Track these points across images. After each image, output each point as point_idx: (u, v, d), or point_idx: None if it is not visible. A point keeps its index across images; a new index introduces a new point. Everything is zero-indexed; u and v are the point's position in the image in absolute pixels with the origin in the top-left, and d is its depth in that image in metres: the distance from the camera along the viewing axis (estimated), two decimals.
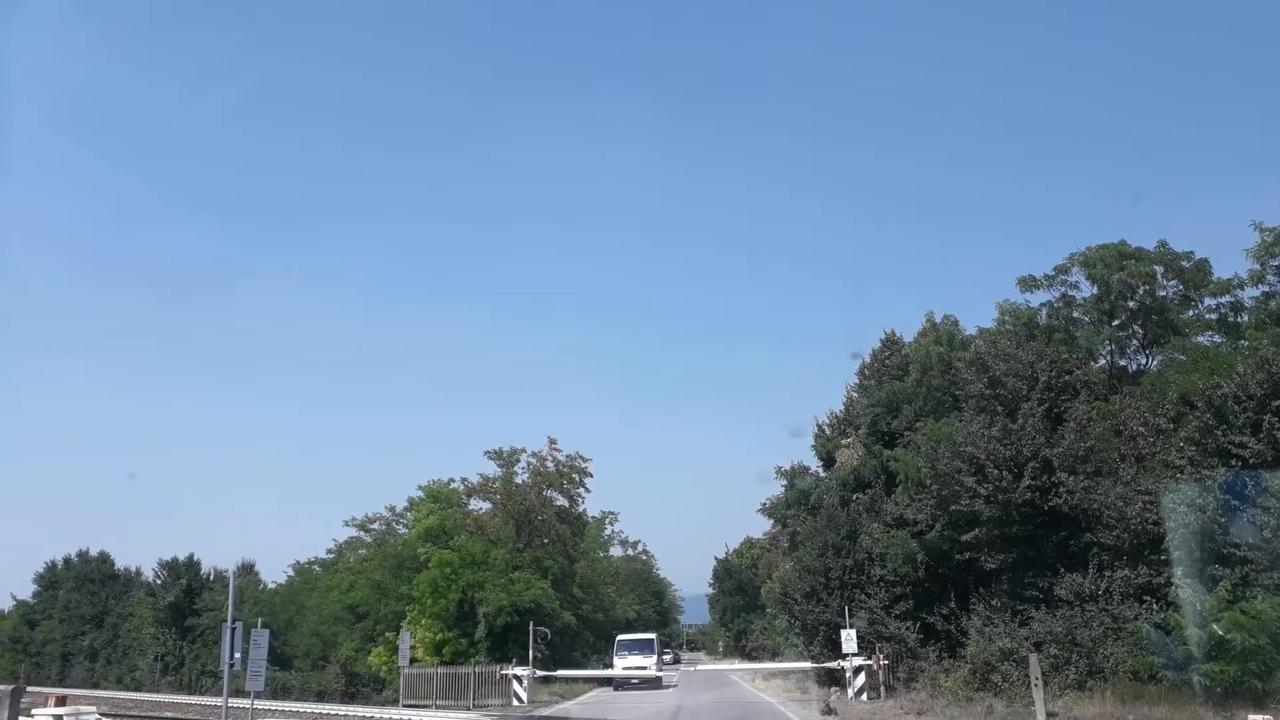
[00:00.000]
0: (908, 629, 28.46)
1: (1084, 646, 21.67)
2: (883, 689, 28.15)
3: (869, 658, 28.64)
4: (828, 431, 40.36)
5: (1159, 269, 27.84)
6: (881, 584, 29.79)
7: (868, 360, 38.93)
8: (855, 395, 39.33)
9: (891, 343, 38.27)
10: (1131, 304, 27.72)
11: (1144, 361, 29.04)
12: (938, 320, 34.52)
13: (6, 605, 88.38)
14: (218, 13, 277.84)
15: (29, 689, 15.84)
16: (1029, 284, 28.59)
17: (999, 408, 25.49)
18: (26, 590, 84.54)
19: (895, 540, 28.94)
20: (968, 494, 24.54)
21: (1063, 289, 28.45)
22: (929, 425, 28.36)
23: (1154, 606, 21.32)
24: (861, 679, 28.64)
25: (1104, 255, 27.32)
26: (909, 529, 28.73)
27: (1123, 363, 29.37)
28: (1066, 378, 26.11)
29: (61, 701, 10.91)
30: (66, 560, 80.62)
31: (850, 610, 30.01)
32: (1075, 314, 28.61)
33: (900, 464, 29.72)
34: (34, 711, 10.59)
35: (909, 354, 34.69)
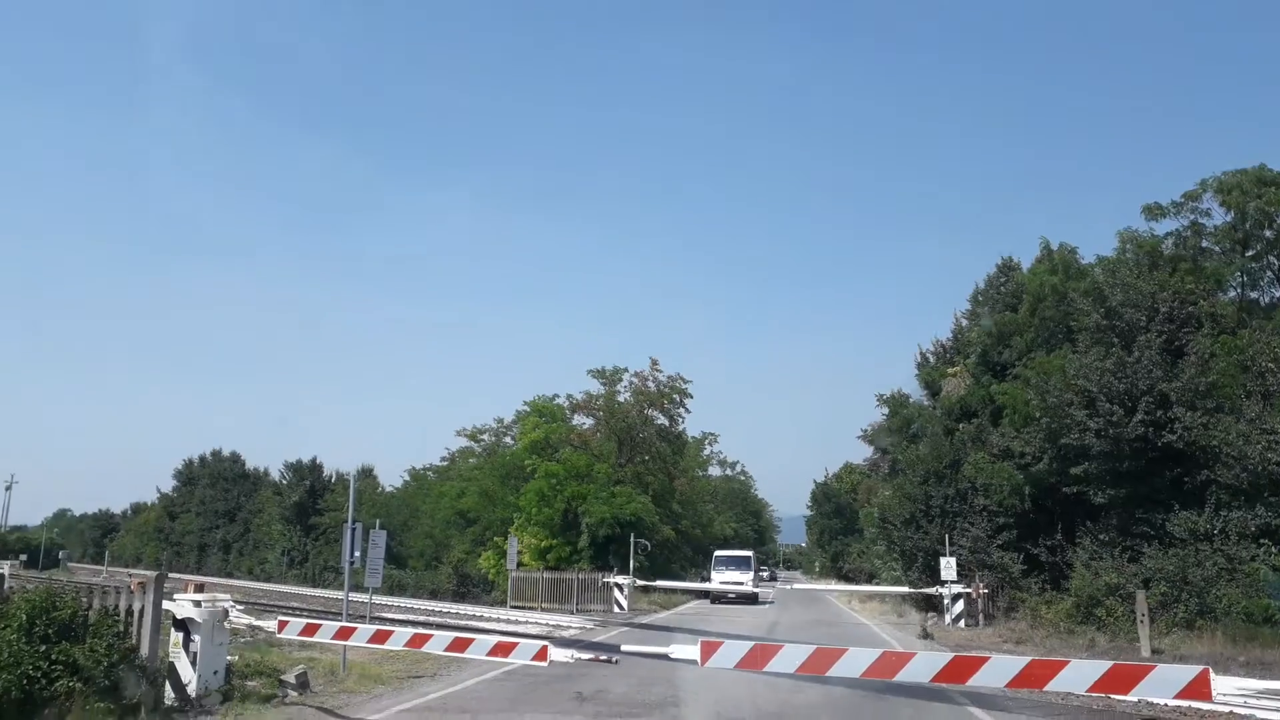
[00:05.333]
0: (1011, 559, 28.17)
1: (1195, 585, 21.08)
2: (981, 617, 28.07)
3: (968, 585, 28.53)
4: (932, 360, 39.58)
5: None
6: (984, 514, 29.47)
7: (981, 285, 37.83)
8: (965, 323, 38.37)
9: (1008, 269, 37.01)
10: (1268, 233, 26.05)
11: (1279, 294, 27.40)
12: (1054, 248, 33.08)
13: (152, 498, 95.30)
14: None
15: (170, 576, 17.27)
16: (1155, 212, 27.10)
17: (1115, 339, 24.56)
18: (169, 485, 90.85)
19: (1000, 471, 28.48)
20: (1077, 428, 23.91)
21: (1192, 216, 26.91)
22: (1040, 358, 27.54)
23: (1273, 549, 20.59)
24: (960, 606, 28.58)
25: (1240, 181, 25.63)
26: (1015, 460, 28.21)
27: (1254, 295, 27.76)
28: (1190, 309, 24.91)
29: (200, 589, 11.81)
30: (202, 459, 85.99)
31: (951, 538, 29.84)
32: (1205, 243, 27.06)
33: (1008, 397, 29.04)
34: (176, 596, 11.46)
35: (1023, 283, 33.49)
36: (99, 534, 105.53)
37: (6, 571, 18.72)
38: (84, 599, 10.89)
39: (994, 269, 37.44)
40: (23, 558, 74.84)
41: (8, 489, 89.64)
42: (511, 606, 36.33)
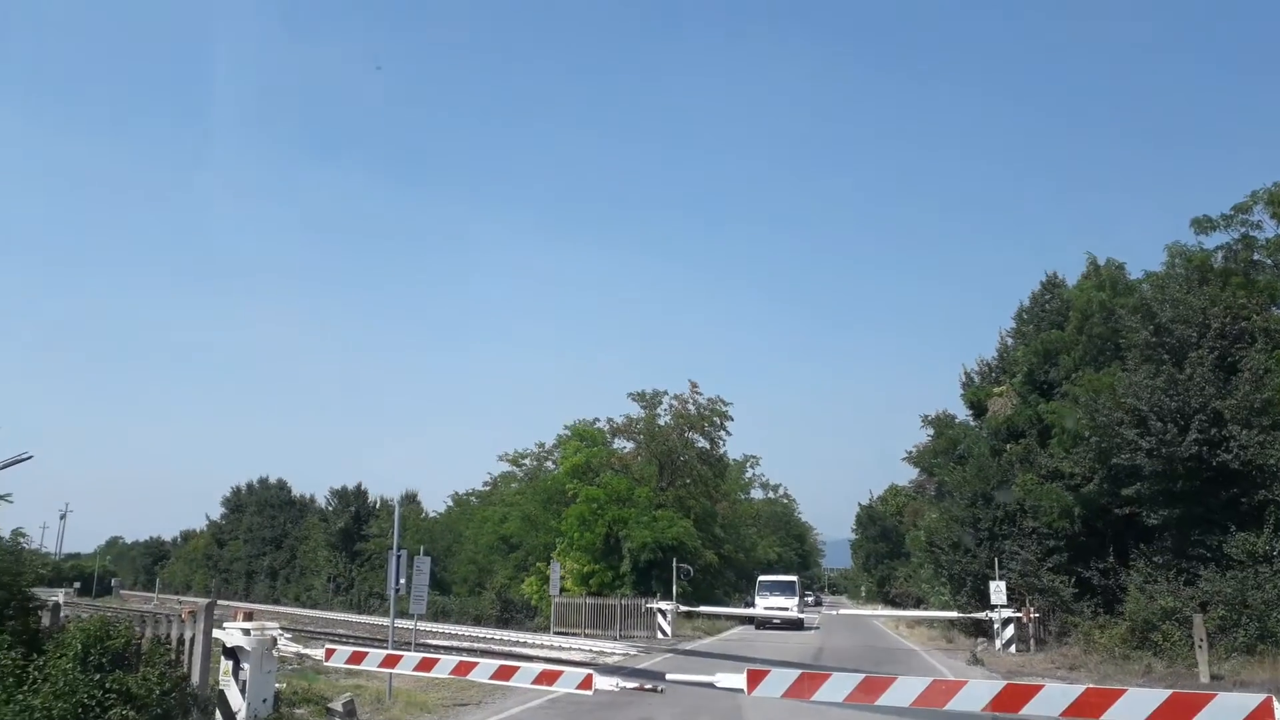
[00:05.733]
0: (1062, 582, 27.62)
1: (1255, 609, 20.49)
2: (1032, 642, 27.54)
3: (1019, 610, 28.02)
4: (976, 379, 39.06)
5: None
6: (1034, 536, 28.97)
7: (1026, 303, 37.33)
8: (1010, 341, 37.86)
9: (1052, 285, 36.48)
10: None
11: None
12: (1101, 264, 32.58)
13: (201, 525, 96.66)
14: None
15: (219, 603, 17.49)
16: (1204, 225, 26.52)
17: (1165, 356, 24.05)
18: (217, 512, 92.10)
19: (1049, 493, 27.97)
20: (1128, 447, 23.44)
21: (1243, 229, 26.29)
22: (1088, 376, 27.08)
23: None
24: (1010, 631, 28.09)
25: None
26: (1064, 481, 27.70)
27: None
28: (1243, 324, 24.31)
29: (249, 617, 11.93)
30: (249, 486, 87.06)
31: (1000, 561, 29.35)
32: (1256, 256, 26.42)
33: (1055, 416, 28.57)
34: (225, 624, 11.58)
35: (1069, 299, 32.99)
36: (150, 561, 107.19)
37: (61, 599, 19.09)
38: (137, 628, 11.06)
39: (1039, 286, 36.94)
40: (76, 585, 76.30)
41: (62, 518, 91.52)
42: (555, 633, 36.26)
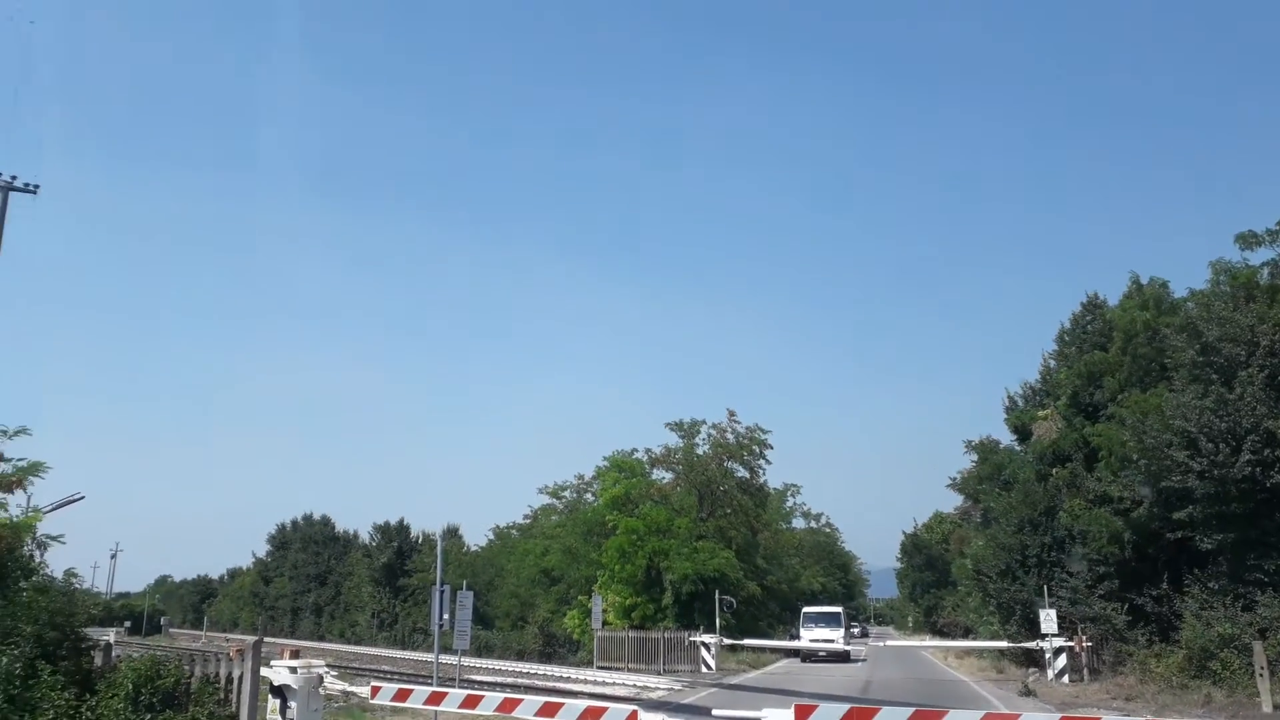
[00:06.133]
0: (1114, 610, 26.99)
1: None
2: (1085, 672, 26.93)
3: (1070, 639, 27.43)
4: (1020, 403, 38.53)
5: None
6: (1083, 563, 28.39)
7: (1067, 325, 36.83)
8: (1053, 364, 37.34)
9: (1094, 306, 35.98)
10: None
11: None
12: (1144, 283, 32.10)
13: (248, 562, 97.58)
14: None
15: (265, 640, 17.64)
16: (1250, 240, 26.00)
17: (1213, 376, 23.55)
18: (263, 550, 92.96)
19: (1098, 518, 27.43)
20: (1179, 470, 22.95)
21: None
22: (1135, 397, 26.61)
23: None
24: (1062, 660, 27.50)
25: None
26: (1113, 506, 27.16)
27: None
28: None
29: (295, 654, 12.00)
30: (294, 523, 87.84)
31: (1049, 589, 28.79)
32: None
33: (1102, 438, 28.07)
34: (272, 662, 11.67)
35: (1112, 320, 32.51)
36: (198, 599, 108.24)
37: (113, 639, 19.35)
38: (186, 667, 11.20)
39: (1079, 307, 36.46)
40: (127, 624, 77.30)
41: (113, 557, 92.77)
42: (598, 667, 36.05)
